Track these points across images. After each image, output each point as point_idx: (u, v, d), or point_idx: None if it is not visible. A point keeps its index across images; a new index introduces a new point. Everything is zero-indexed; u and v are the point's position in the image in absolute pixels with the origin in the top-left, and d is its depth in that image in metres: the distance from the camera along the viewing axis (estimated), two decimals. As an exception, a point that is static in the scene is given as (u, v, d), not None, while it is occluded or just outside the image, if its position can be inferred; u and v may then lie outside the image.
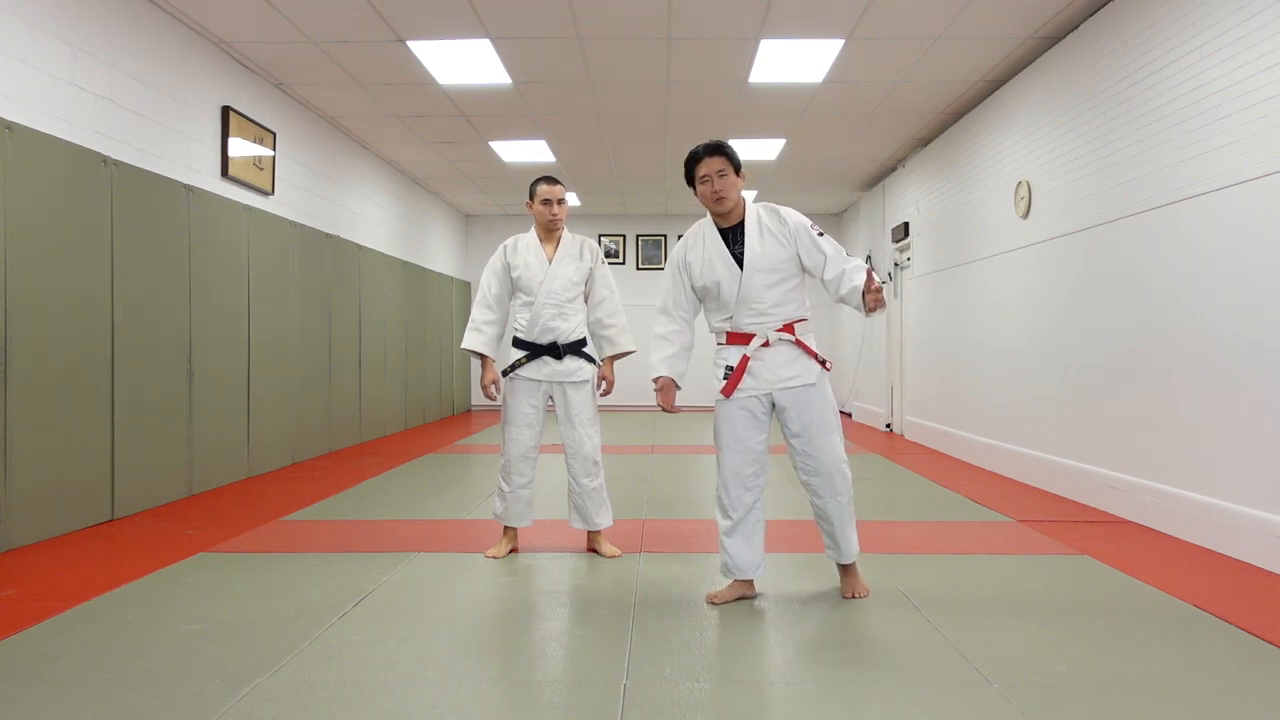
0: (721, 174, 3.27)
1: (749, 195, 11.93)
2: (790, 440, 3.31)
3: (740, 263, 3.26)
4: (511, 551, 4.11)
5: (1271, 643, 2.88)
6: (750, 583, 3.40)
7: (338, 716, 2.30)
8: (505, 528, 4.11)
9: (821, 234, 3.30)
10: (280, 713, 2.32)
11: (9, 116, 4.19)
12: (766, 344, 3.25)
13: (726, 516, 3.35)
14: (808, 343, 3.28)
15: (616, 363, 4.16)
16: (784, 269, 3.26)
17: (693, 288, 3.39)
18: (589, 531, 4.11)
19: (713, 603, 3.33)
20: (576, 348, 4.05)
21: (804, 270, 3.31)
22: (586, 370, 4.07)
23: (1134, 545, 4.31)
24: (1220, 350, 4.19)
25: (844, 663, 2.74)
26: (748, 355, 3.26)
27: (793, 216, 3.32)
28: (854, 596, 3.39)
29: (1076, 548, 4.25)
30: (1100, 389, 5.29)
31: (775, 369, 3.25)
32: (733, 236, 3.31)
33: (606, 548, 4.07)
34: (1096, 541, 4.38)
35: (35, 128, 4.35)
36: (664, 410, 3.43)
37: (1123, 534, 4.58)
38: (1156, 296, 4.72)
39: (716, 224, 3.35)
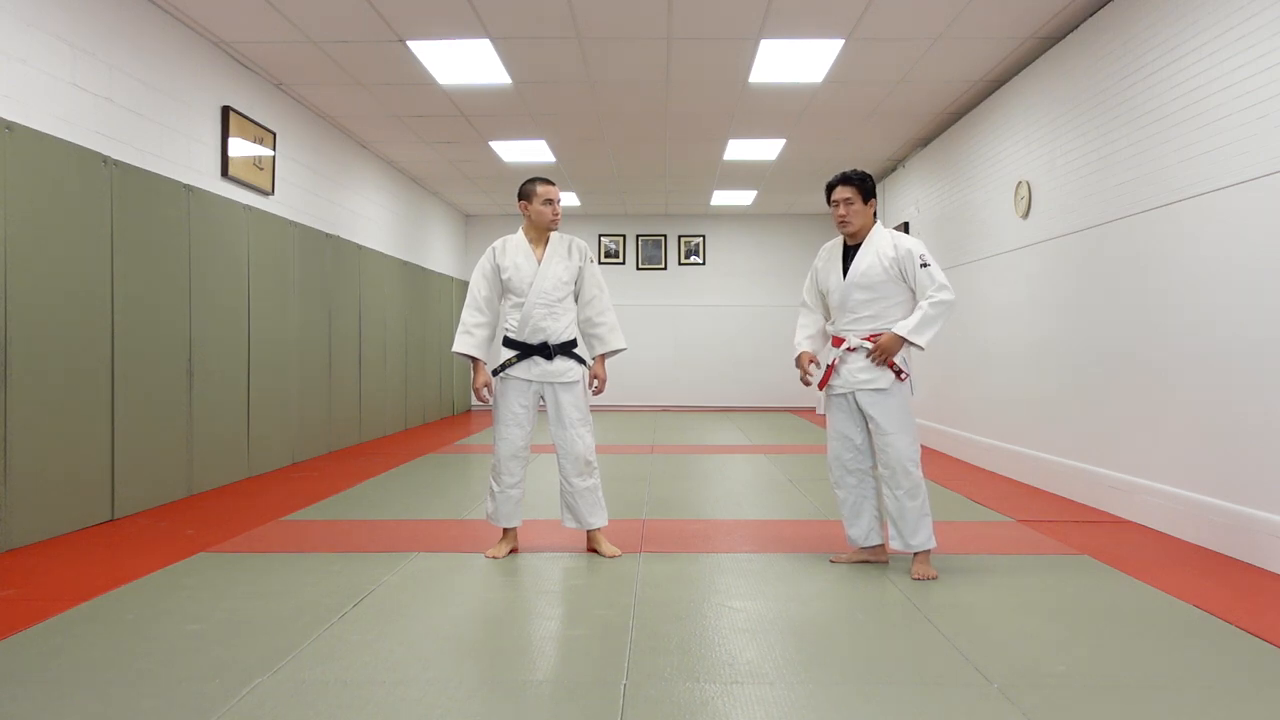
0: (849, 201, 3.78)
1: (749, 195, 11.99)
2: (870, 434, 3.81)
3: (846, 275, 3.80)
4: (512, 552, 4.11)
5: (1271, 643, 2.88)
6: (876, 548, 3.90)
7: (338, 716, 2.31)
8: (505, 529, 4.11)
9: (925, 265, 3.71)
10: (280, 713, 2.32)
11: (9, 116, 4.19)
12: (852, 349, 3.75)
13: (835, 494, 3.94)
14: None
15: (609, 361, 4.19)
16: (881, 288, 3.74)
17: (819, 289, 3.96)
18: (589, 531, 4.11)
19: (834, 562, 3.92)
20: (567, 348, 4.06)
21: (912, 292, 3.77)
22: (576, 371, 4.07)
23: (1134, 545, 4.31)
24: (1220, 350, 4.19)
25: (844, 663, 2.74)
26: (836, 358, 3.83)
27: (904, 245, 3.76)
28: (919, 579, 3.66)
29: (1076, 548, 4.25)
30: (1100, 389, 5.29)
31: (855, 372, 3.77)
32: (852, 253, 3.82)
33: (606, 547, 4.07)
34: (1096, 541, 4.38)
35: (35, 128, 4.35)
36: (803, 382, 3.96)
37: (1123, 534, 4.58)
38: (1156, 296, 4.72)
39: (845, 240, 3.88)
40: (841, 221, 3.78)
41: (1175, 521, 4.49)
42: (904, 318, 3.73)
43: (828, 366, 3.86)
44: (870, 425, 3.78)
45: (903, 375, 3.72)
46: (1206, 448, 4.29)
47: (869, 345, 3.72)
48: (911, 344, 3.65)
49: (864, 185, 3.78)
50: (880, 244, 3.77)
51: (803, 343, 3.96)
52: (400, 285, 10.13)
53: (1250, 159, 3.97)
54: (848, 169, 3.88)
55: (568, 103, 7.55)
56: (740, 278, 13.84)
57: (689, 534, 4.56)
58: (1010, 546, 4.32)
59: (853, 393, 3.78)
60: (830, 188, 3.83)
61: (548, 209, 4.04)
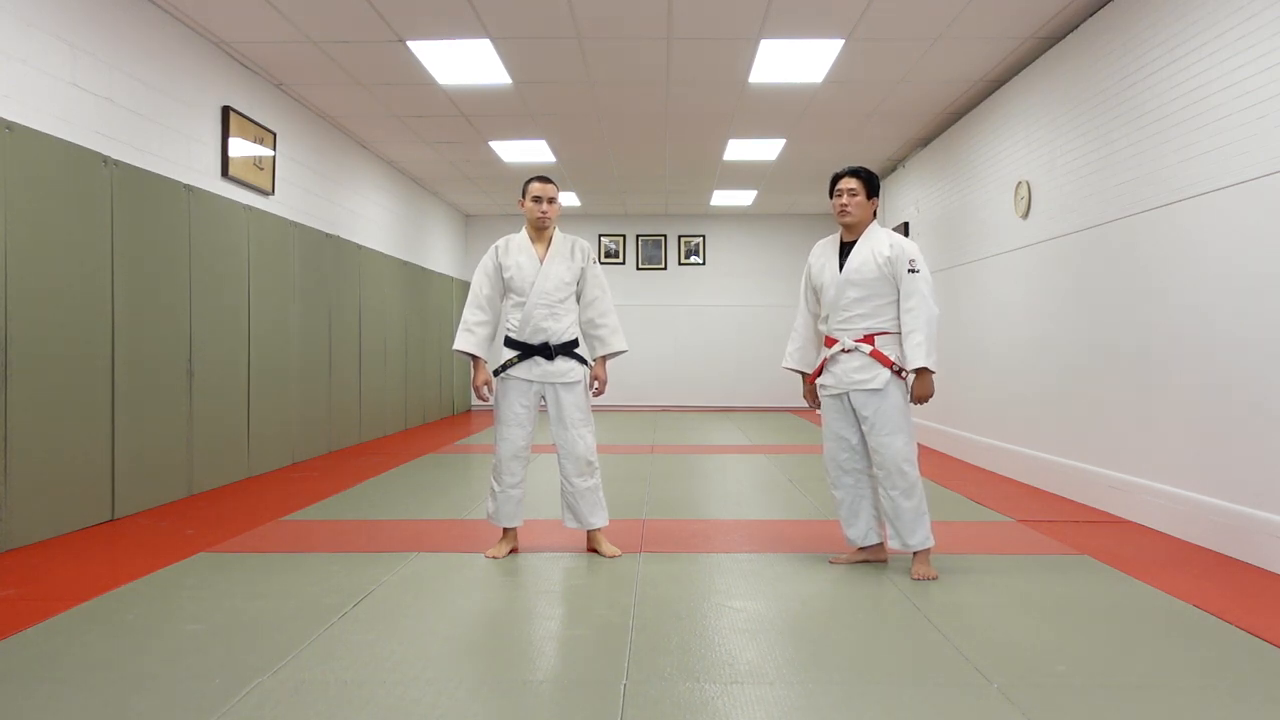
0: (853, 193, 3.79)
1: (749, 195, 11.99)
2: (864, 434, 3.79)
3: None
4: (512, 552, 4.11)
5: (1271, 643, 2.88)
6: (875, 548, 3.90)
7: (338, 716, 2.31)
8: (505, 529, 4.11)
9: (915, 271, 3.69)
10: (280, 713, 2.32)
11: (9, 116, 4.19)
12: (847, 350, 3.75)
13: (833, 494, 3.93)
14: (886, 354, 3.71)
15: (610, 362, 4.20)
16: (873, 286, 3.72)
17: (812, 285, 3.95)
18: (589, 531, 4.11)
19: (834, 563, 3.92)
20: (568, 348, 4.06)
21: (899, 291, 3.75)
22: (578, 371, 4.08)
23: (1134, 545, 4.31)
24: (1220, 350, 4.19)
25: (844, 663, 2.74)
26: (826, 357, 3.83)
27: (899, 246, 3.75)
28: (918, 579, 3.66)
29: (1076, 548, 4.25)
30: (1100, 388, 5.29)
31: (849, 372, 3.76)
32: (848, 250, 3.82)
33: (607, 547, 4.07)
34: (1096, 541, 4.38)
35: (35, 128, 4.35)
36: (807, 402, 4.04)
37: (1123, 534, 4.58)
38: (1156, 296, 4.72)
39: (842, 237, 3.89)
40: (842, 211, 3.79)
41: (1175, 521, 4.49)
42: (895, 319, 3.73)
43: (820, 362, 3.88)
44: (864, 426, 3.76)
45: (903, 374, 3.71)
46: (1206, 448, 4.29)
47: (866, 347, 3.71)
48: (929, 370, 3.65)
49: (870, 181, 3.82)
50: (876, 242, 3.76)
51: (793, 355, 4.00)
52: (400, 285, 10.13)
53: (1250, 159, 3.97)
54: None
55: (568, 103, 7.55)
56: (740, 278, 13.84)
57: (689, 534, 4.56)
58: (1010, 546, 4.32)
59: (847, 393, 3.78)
60: (837, 178, 3.85)
61: (535, 206, 4.05)
